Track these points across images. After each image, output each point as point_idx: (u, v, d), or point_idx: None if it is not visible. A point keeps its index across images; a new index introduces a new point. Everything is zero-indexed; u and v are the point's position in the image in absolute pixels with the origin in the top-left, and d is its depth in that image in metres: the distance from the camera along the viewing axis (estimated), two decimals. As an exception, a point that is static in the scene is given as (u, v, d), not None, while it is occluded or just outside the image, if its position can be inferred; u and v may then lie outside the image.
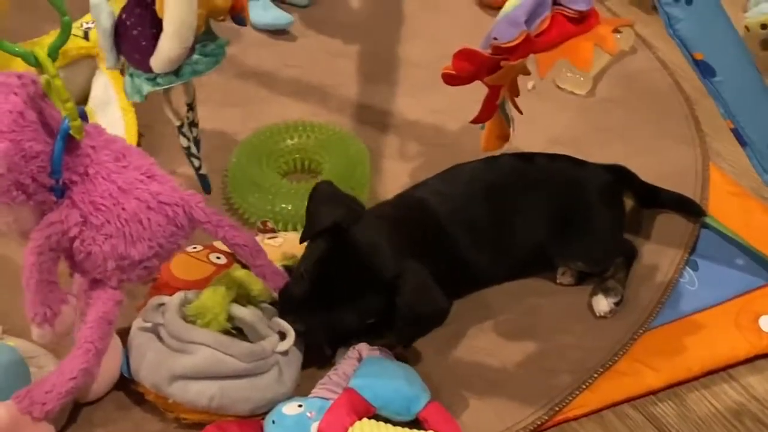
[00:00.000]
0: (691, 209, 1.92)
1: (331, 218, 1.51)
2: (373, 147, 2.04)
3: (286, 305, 1.52)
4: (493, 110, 1.73)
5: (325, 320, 1.51)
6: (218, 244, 1.71)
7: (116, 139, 1.40)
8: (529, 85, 2.22)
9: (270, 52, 2.34)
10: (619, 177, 1.84)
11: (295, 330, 1.53)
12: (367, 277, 1.49)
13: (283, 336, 1.54)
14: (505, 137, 1.80)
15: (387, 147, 2.08)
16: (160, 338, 1.50)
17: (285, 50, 2.35)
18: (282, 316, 1.52)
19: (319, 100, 2.21)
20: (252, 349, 1.49)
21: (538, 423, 1.56)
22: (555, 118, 2.18)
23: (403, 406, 1.50)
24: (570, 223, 1.74)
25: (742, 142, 1.55)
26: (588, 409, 1.60)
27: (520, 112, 1.76)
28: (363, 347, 1.59)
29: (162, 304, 1.52)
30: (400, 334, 1.58)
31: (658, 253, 1.84)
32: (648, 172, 1.91)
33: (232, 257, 1.69)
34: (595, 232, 1.76)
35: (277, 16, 2.36)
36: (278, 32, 2.36)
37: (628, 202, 1.89)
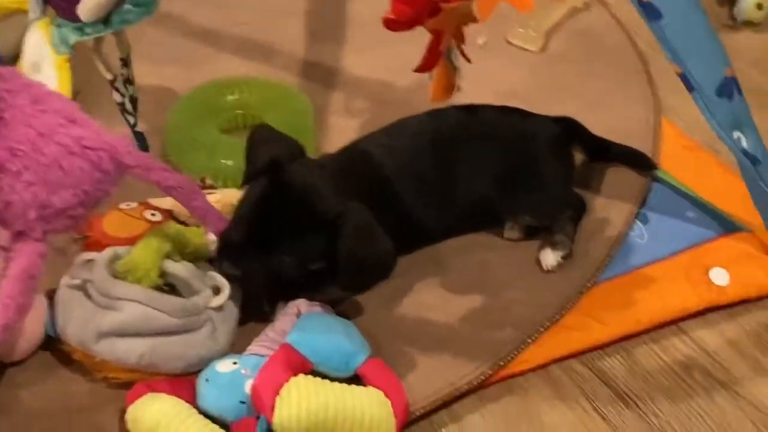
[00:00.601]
0: (642, 163, 1.89)
1: (269, 155, 1.47)
2: (319, 104, 2.01)
3: (223, 250, 1.47)
4: (437, 58, 1.69)
5: (264, 265, 1.45)
6: (155, 201, 1.69)
7: (34, 83, 1.35)
8: (480, 41, 2.19)
9: (217, 10, 2.31)
10: (568, 129, 1.80)
11: (233, 276, 1.49)
12: (308, 217, 1.44)
13: (217, 291, 1.49)
14: (452, 87, 1.76)
15: (333, 103, 2.05)
16: (88, 296, 1.46)
17: (233, 8, 2.32)
18: (220, 262, 1.47)
19: (266, 58, 2.18)
20: (183, 304, 1.45)
21: (482, 378, 1.52)
22: (507, 74, 2.15)
23: (341, 361, 1.46)
24: (518, 176, 1.71)
25: (690, 86, 1.52)
26: (533, 364, 1.57)
27: (468, 61, 1.72)
28: (302, 303, 1.55)
29: (90, 260, 1.48)
30: (344, 282, 1.51)
31: (608, 207, 1.81)
32: (600, 127, 1.88)
33: (168, 214, 1.66)
34: (543, 186, 1.73)
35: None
36: None
37: (578, 156, 1.86)
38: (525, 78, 2.14)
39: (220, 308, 1.50)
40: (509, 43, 2.25)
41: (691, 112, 1.67)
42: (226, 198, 1.65)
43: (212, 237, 1.55)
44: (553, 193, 1.73)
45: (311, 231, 1.44)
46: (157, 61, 2.04)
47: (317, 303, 1.56)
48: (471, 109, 1.77)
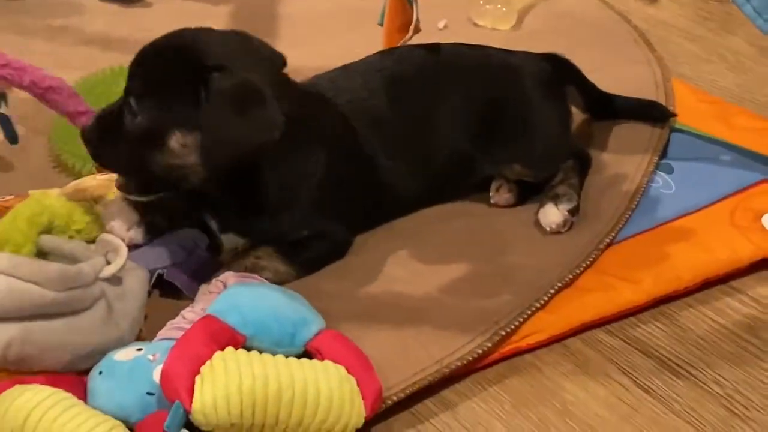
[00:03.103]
0: (655, 112, 1.62)
1: None
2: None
3: (85, 136, 1.27)
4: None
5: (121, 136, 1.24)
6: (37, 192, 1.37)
7: None
8: (440, 24, 1.93)
9: (121, 18, 2.10)
10: (559, 66, 1.51)
11: (98, 160, 1.29)
12: (177, 70, 1.22)
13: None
14: (407, 25, 1.48)
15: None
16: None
17: (140, 16, 2.11)
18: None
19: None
20: (65, 271, 1.13)
21: (479, 352, 1.20)
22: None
23: (284, 333, 1.14)
24: (501, 119, 1.42)
25: None
26: (546, 335, 1.25)
27: None
28: (228, 276, 1.23)
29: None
30: (205, 156, 1.21)
31: (619, 162, 1.52)
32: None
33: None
34: (534, 129, 1.43)
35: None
36: (131, 2, 2.17)
37: (578, 116, 1.57)
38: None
39: (117, 281, 1.16)
40: (475, 24, 1.96)
41: (704, 76, 1.60)
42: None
43: (114, 227, 1.32)
44: (547, 136, 1.43)
45: (175, 87, 1.21)
46: (52, 69, 1.77)
47: (251, 275, 1.23)
48: (434, 46, 1.48)
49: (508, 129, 1.42)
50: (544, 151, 1.43)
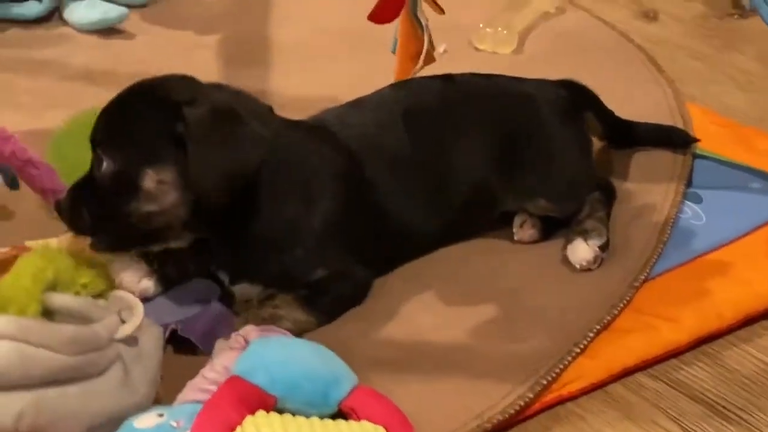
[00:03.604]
0: (676, 138, 1.58)
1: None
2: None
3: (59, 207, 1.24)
4: (396, 7, 1.35)
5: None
6: (35, 243, 1.32)
7: None
8: (441, 48, 1.85)
9: (103, 52, 2.03)
10: (575, 93, 1.46)
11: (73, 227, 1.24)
12: (147, 108, 1.19)
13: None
14: (419, 54, 1.43)
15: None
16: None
17: (122, 48, 2.04)
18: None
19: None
20: (78, 334, 1.05)
21: (521, 404, 1.13)
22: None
23: (317, 392, 1.08)
24: (521, 152, 1.38)
25: None
26: (588, 381, 1.20)
27: (441, 11, 1.39)
28: (249, 330, 1.16)
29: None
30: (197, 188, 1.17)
31: (644, 192, 1.48)
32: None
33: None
34: (556, 160, 1.39)
35: (106, 10, 2.09)
36: (111, 32, 2.09)
37: (596, 144, 1.52)
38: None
39: (133, 340, 1.10)
40: (476, 49, 1.91)
41: (716, 97, 1.57)
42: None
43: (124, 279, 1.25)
44: (569, 166, 1.39)
45: (142, 127, 1.19)
46: (32, 108, 1.77)
47: (273, 327, 1.17)
48: (447, 77, 1.44)
49: (529, 161, 1.37)
50: (568, 183, 1.38)
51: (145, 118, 1.19)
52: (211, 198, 1.18)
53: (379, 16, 1.41)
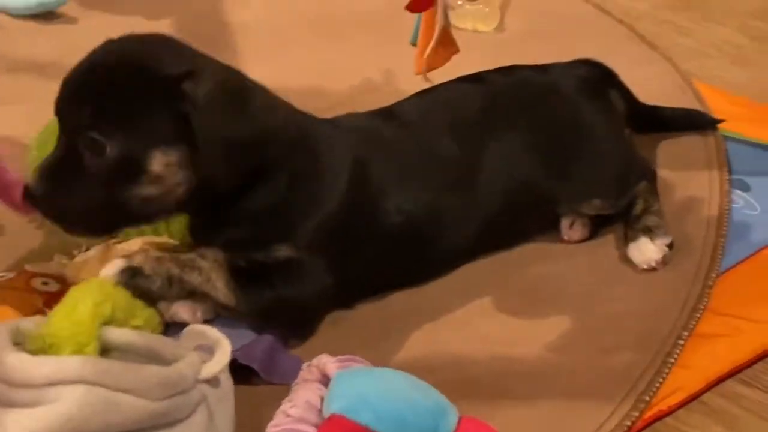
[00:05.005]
0: (702, 121, 1.54)
1: None
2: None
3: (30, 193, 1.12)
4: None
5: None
6: (37, 267, 1.28)
7: None
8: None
9: (46, 39, 1.90)
10: (597, 73, 1.42)
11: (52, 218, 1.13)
12: (141, 85, 1.10)
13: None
14: (454, 45, 1.35)
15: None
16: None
17: (65, 34, 1.91)
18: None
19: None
20: (164, 375, 0.95)
21: (628, 424, 1.07)
22: (463, 63, 1.70)
23: (425, 426, 1.00)
24: (564, 150, 1.32)
25: None
26: (686, 393, 1.14)
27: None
28: (325, 361, 1.06)
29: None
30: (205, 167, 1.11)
31: (686, 181, 1.44)
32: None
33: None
34: (601, 154, 1.34)
35: (44, -6, 1.95)
36: (50, 17, 1.98)
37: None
38: (488, 64, 1.71)
39: (216, 381, 1.01)
40: (455, 28, 1.81)
41: (708, 73, 1.55)
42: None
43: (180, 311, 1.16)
44: (616, 160, 1.35)
45: (140, 104, 1.10)
46: None
47: (352, 357, 1.08)
48: (472, 78, 1.39)
49: (575, 161, 1.31)
50: (618, 177, 1.34)
51: (143, 96, 1.10)
52: (221, 180, 1.12)
53: (416, 3, 1.31)
